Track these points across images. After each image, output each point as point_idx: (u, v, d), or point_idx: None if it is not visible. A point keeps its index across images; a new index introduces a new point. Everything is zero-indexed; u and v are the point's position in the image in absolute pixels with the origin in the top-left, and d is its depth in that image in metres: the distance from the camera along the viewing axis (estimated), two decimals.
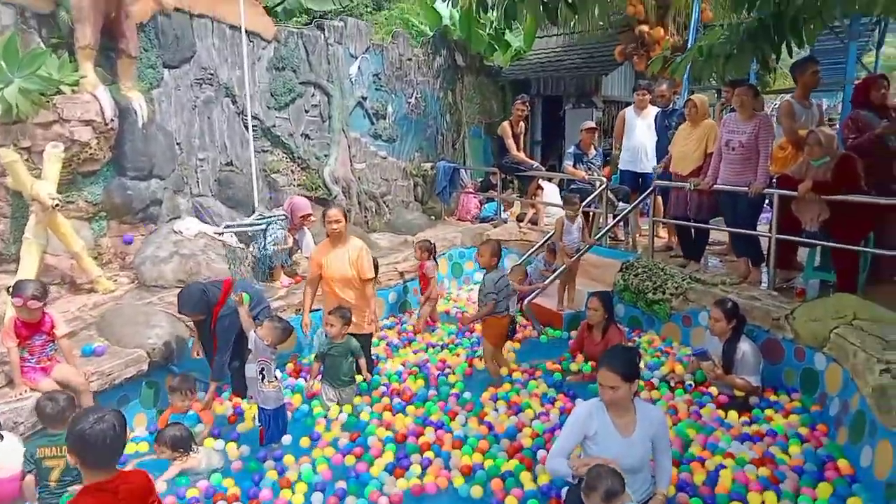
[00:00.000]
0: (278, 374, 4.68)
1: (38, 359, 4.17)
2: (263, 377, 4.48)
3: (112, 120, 5.67)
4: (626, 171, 7.74)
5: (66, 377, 4.17)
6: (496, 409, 4.82)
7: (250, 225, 6.22)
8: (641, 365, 5.41)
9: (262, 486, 3.92)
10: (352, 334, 5.44)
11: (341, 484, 3.93)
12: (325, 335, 5.18)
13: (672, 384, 5.14)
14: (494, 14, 4.61)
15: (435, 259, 7.07)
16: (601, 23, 10.44)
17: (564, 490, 3.56)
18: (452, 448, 4.31)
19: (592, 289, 6.51)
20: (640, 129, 7.53)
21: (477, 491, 3.89)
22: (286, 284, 6.49)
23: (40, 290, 4.09)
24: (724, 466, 3.96)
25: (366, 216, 9.16)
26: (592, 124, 8.04)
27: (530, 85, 12.72)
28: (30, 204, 5.04)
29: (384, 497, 3.79)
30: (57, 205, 4.94)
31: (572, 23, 11.34)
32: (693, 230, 6.49)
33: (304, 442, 4.46)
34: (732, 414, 4.59)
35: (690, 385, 5.08)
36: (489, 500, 3.84)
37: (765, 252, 5.82)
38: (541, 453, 4.16)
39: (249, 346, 4.51)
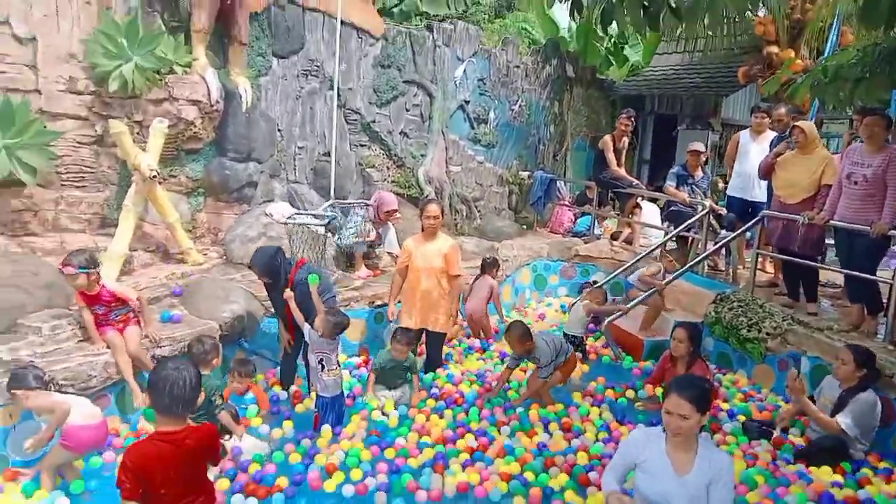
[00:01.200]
0: (340, 361, 4.69)
1: (102, 320, 4.34)
2: (323, 367, 4.50)
3: (217, 102, 5.95)
4: (735, 197, 7.15)
5: (110, 341, 4.29)
6: (549, 432, 4.57)
7: (316, 216, 6.27)
8: (724, 406, 5.02)
9: (310, 469, 3.94)
10: (428, 331, 5.44)
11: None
12: (388, 350, 5.15)
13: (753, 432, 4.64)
14: (610, 27, 4.35)
15: (486, 275, 6.78)
16: (725, 41, 9.82)
17: None
18: (496, 456, 4.17)
19: (681, 318, 6.08)
20: (754, 154, 6.92)
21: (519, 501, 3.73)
22: (364, 276, 6.53)
23: (85, 261, 4.16)
24: None
25: (455, 219, 9.09)
26: (700, 146, 7.54)
27: (644, 102, 12.21)
28: (132, 173, 5.36)
29: (423, 491, 3.74)
30: (154, 175, 5.21)
31: (695, 40, 10.80)
32: (800, 268, 5.87)
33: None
34: (825, 470, 4.07)
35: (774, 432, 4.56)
36: None
37: (885, 300, 5.16)
38: (593, 475, 3.93)
39: (305, 339, 4.55)
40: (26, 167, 4.83)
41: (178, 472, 2.41)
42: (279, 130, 7.20)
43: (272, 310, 5.17)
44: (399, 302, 5.61)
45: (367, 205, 6.63)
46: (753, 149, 6.85)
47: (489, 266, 6.88)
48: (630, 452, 3.06)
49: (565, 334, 6.45)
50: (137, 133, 5.64)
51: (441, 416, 4.71)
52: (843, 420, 4.16)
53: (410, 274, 5.46)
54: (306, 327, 4.55)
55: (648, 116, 12.71)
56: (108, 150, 5.63)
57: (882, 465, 4.21)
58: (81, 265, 4.11)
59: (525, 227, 9.92)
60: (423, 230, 5.46)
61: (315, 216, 6.22)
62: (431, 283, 5.38)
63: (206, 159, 6.24)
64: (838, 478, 4.05)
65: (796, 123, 5.71)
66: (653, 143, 12.63)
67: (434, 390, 5.19)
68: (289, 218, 5.11)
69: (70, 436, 3.53)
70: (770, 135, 6.78)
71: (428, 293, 5.39)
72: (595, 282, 7.14)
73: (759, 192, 6.83)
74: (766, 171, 6.11)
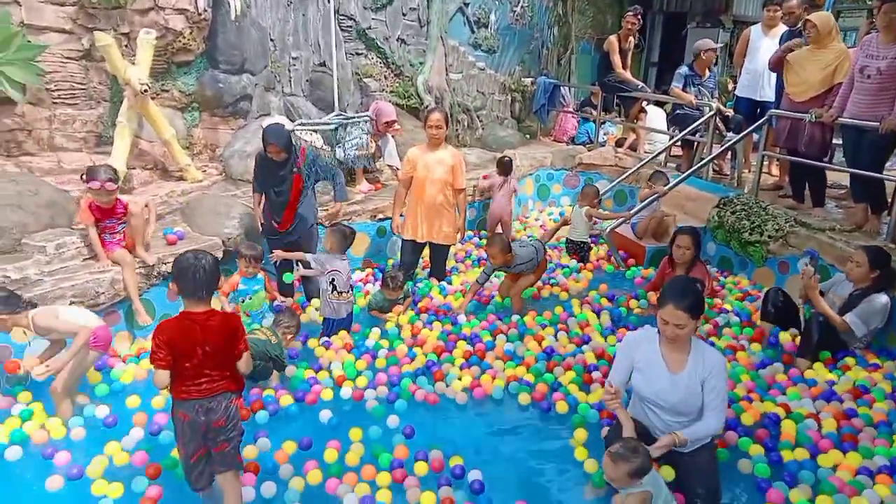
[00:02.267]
0: (352, 285, 4.78)
1: (109, 235, 4.40)
2: (334, 288, 4.55)
3: (205, 10, 5.73)
4: (744, 98, 6.94)
5: (120, 259, 4.34)
6: (555, 338, 4.67)
7: (324, 124, 6.16)
8: (728, 307, 5.10)
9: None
10: (433, 244, 5.47)
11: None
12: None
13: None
14: None
15: (506, 177, 6.90)
16: None
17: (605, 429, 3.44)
18: (496, 360, 4.32)
19: (683, 223, 6.07)
20: (764, 51, 6.62)
21: (524, 398, 3.90)
22: (365, 190, 6.49)
23: (113, 174, 4.22)
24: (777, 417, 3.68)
25: (457, 129, 8.90)
26: (712, 44, 7.22)
27: (651, 0, 11.69)
28: (123, 88, 5.23)
29: (422, 390, 3.93)
30: (146, 90, 5.09)
31: None
32: (806, 170, 5.78)
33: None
34: (818, 367, 4.19)
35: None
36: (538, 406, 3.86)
37: (889, 199, 5.12)
38: (596, 374, 4.09)
39: (313, 266, 4.60)
40: (14, 83, 4.71)
41: (201, 348, 2.67)
42: (272, 40, 6.95)
43: None
44: (402, 214, 5.61)
45: (367, 118, 6.47)
46: (764, 45, 6.57)
47: (508, 167, 6.92)
48: (627, 353, 3.12)
49: (570, 241, 6.48)
50: (125, 46, 5.47)
51: (431, 329, 4.77)
52: (851, 319, 4.21)
53: (414, 185, 5.42)
54: (308, 256, 4.64)
55: (657, 15, 12.17)
56: (97, 64, 5.46)
57: (875, 360, 4.30)
58: (110, 178, 4.13)
59: (528, 136, 9.73)
60: (427, 140, 5.37)
61: (320, 124, 6.11)
62: (436, 194, 5.35)
63: (197, 72, 6.07)
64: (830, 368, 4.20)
65: (808, 16, 5.44)
66: (661, 44, 12.16)
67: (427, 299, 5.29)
68: (299, 125, 4.97)
69: (99, 337, 3.66)
70: (783, 30, 6.49)
71: (433, 205, 5.37)
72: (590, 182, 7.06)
73: (769, 92, 6.62)
74: (776, 65, 5.88)
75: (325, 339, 4.57)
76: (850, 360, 4.24)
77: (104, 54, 5.10)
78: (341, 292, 4.58)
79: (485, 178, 7.13)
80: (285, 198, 4.88)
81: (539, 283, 5.51)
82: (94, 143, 5.56)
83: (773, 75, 6.39)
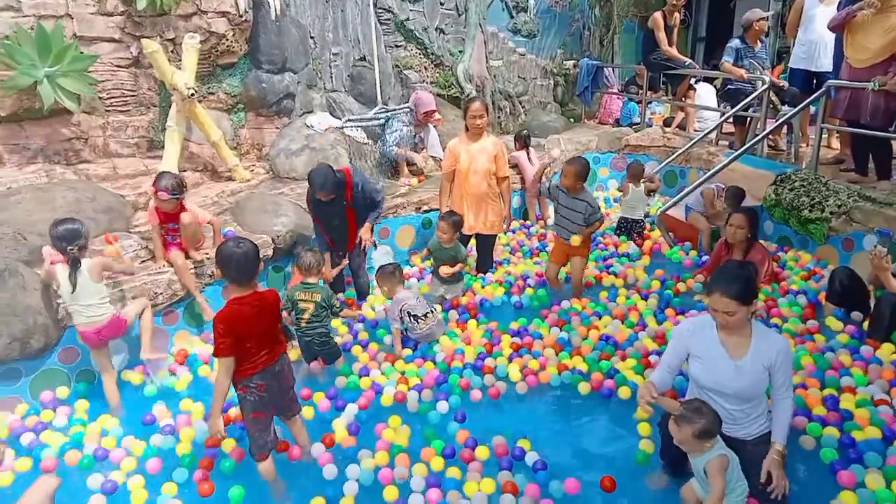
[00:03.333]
0: (435, 308, 4.69)
1: (173, 238, 4.52)
2: (415, 318, 4.40)
3: (246, 11, 5.79)
4: (798, 69, 6.62)
5: (174, 260, 4.42)
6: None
7: (370, 119, 6.18)
8: (794, 287, 4.89)
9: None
10: (479, 234, 5.44)
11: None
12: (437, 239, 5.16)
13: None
14: None
15: (528, 148, 7.07)
16: None
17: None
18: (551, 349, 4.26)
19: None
20: (820, 20, 6.31)
21: (584, 387, 3.85)
22: (408, 183, 6.49)
23: (175, 184, 4.27)
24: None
25: (499, 117, 8.82)
26: (762, 13, 6.91)
27: None
28: (171, 93, 5.36)
29: (477, 390, 3.87)
30: (192, 94, 5.20)
31: None
32: (870, 141, 5.48)
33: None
34: (888, 347, 3.97)
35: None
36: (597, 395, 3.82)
37: None
38: (653, 358, 4.01)
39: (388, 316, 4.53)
40: (69, 94, 4.89)
41: (257, 327, 2.92)
42: (312, 37, 7.01)
43: None
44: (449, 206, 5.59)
45: (409, 110, 6.47)
46: (820, 13, 6.24)
47: (526, 138, 7.14)
48: (682, 342, 2.99)
49: (626, 219, 6.35)
50: (171, 51, 5.59)
51: (478, 323, 4.71)
52: None
53: (458, 176, 5.38)
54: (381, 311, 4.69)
55: None
56: (145, 71, 5.61)
57: None
58: (174, 191, 4.23)
59: (572, 119, 9.59)
60: (466, 130, 5.33)
61: (367, 119, 6.13)
62: (480, 184, 5.30)
63: (241, 73, 6.16)
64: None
65: None
66: (708, 18, 11.77)
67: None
68: (346, 121, 4.98)
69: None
70: None
71: (477, 195, 5.33)
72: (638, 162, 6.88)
73: (825, 62, 6.30)
74: (839, 26, 5.53)
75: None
76: None
77: (151, 61, 5.24)
78: (422, 316, 4.39)
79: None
80: (344, 231, 4.94)
81: (596, 272, 5.42)
82: (146, 147, 5.73)
83: (830, 45, 6.08)
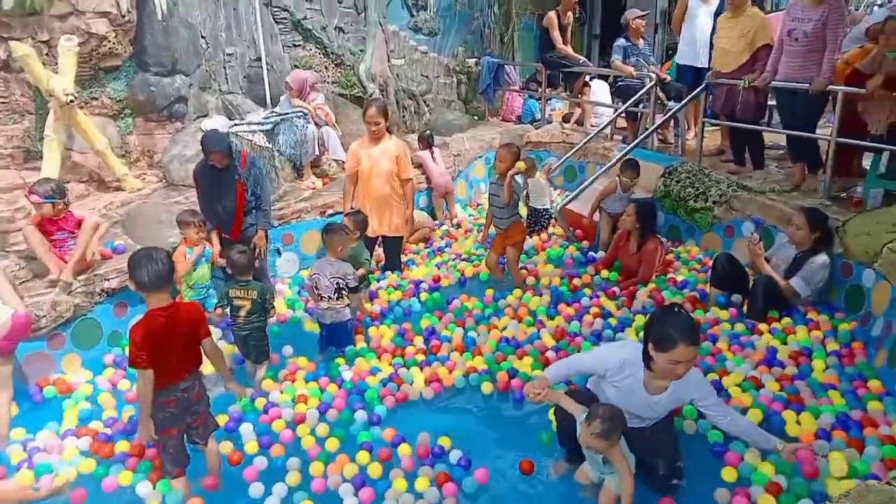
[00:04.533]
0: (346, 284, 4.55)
1: (59, 251, 4.28)
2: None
3: (129, 11, 5.51)
4: (685, 65, 7.00)
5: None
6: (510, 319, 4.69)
7: (257, 124, 6.00)
8: (679, 278, 5.18)
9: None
10: (384, 237, 5.42)
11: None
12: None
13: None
14: None
15: (431, 148, 7.11)
16: None
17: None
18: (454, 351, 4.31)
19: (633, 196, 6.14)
20: (702, 18, 6.71)
21: (487, 387, 3.92)
22: (312, 186, 6.38)
23: (51, 188, 4.10)
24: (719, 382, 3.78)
25: (404, 116, 8.81)
26: (637, 13, 7.28)
27: None
28: (48, 100, 5.02)
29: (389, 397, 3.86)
30: (72, 100, 4.89)
31: None
32: (746, 133, 5.90)
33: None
34: (762, 328, 4.32)
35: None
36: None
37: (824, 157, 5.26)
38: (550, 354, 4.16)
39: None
40: None
41: (178, 340, 2.86)
42: (203, 38, 6.73)
43: None
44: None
45: (304, 113, 6.34)
46: (702, 12, 6.64)
47: (429, 138, 7.20)
48: (602, 369, 2.94)
49: (533, 209, 6.52)
50: (47, 54, 5.23)
51: (389, 327, 4.70)
52: (796, 282, 4.38)
53: (360, 179, 5.35)
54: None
55: None
56: (17, 75, 5.23)
57: (813, 316, 4.44)
58: (48, 195, 4.07)
59: (476, 117, 9.71)
60: (368, 135, 5.31)
61: (256, 124, 5.92)
62: (383, 186, 5.29)
63: (127, 77, 5.84)
64: (773, 325, 4.34)
65: None
66: (602, 15, 12.21)
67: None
68: (229, 129, 4.82)
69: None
70: None
71: (380, 197, 5.32)
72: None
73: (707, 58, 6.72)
74: (675, 25, 6.20)
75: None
76: (788, 320, 4.40)
77: (23, 65, 4.89)
78: (323, 297, 4.28)
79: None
80: (231, 206, 4.77)
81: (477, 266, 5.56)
82: (22, 159, 5.34)
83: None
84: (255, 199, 4.85)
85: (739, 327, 4.40)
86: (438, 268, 5.74)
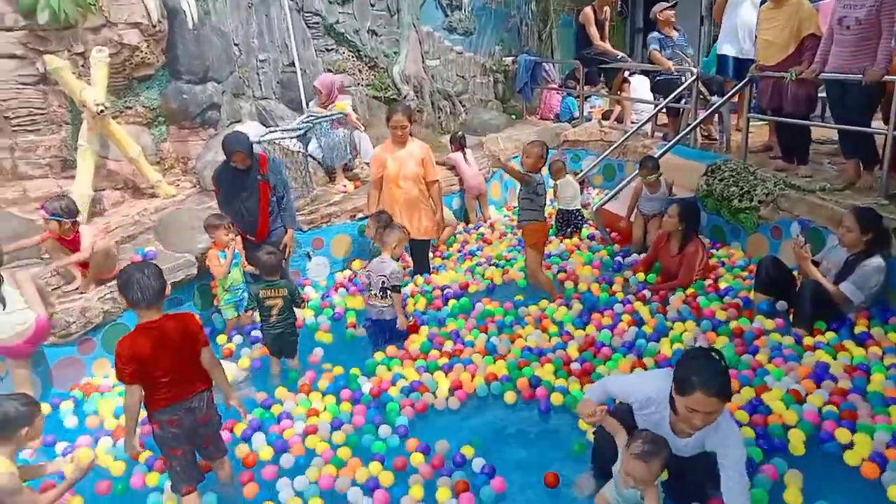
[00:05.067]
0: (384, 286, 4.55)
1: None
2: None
3: (159, 21, 5.57)
4: (725, 56, 6.67)
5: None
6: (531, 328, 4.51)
7: (291, 130, 5.97)
8: (721, 285, 4.90)
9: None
10: (413, 240, 5.35)
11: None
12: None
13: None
14: None
15: (463, 150, 6.92)
16: None
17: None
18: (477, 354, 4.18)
19: (674, 195, 5.89)
20: (745, 7, 6.39)
21: (510, 397, 3.78)
22: (344, 190, 6.34)
23: (59, 206, 4.06)
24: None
25: (439, 117, 8.72)
26: (664, 5, 6.97)
27: None
28: (81, 110, 5.11)
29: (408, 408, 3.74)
30: (102, 110, 4.96)
31: None
32: (794, 129, 5.55)
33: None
34: (806, 341, 4.03)
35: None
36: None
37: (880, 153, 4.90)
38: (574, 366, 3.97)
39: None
40: None
41: (166, 353, 2.74)
42: (236, 45, 6.80)
43: None
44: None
45: (333, 117, 6.30)
46: (745, 0, 6.31)
47: (462, 139, 6.99)
48: (627, 399, 2.80)
49: (562, 211, 6.34)
50: (82, 66, 5.33)
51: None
52: (847, 287, 4.04)
53: (386, 184, 5.29)
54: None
55: None
56: (54, 88, 5.33)
57: (859, 328, 4.09)
58: (55, 212, 4.05)
59: (514, 116, 9.55)
60: (392, 139, 5.24)
61: (287, 130, 5.91)
62: (411, 189, 5.22)
63: (160, 85, 5.93)
64: (820, 338, 4.04)
65: None
66: (644, 9, 11.86)
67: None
68: (261, 137, 4.83)
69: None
70: None
71: (408, 200, 5.24)
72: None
73: (751, 49, 6.36)
74: (717, 14, 6.01)
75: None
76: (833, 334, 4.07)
77: (57, 78, 4.99)
78: (371, 293, 4.38)
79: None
80: (255, 207, 4.76)
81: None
82: (59, 168, 5.45)
83: (755, 30, 6.18)
84: (279, 200, 4.84)
85: (788, 340, 4.07)
86: (469, 273, 5.59)
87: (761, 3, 6.03)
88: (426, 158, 5.21)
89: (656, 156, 5.99)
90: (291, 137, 5.51)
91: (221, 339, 4.70)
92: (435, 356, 4.21)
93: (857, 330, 4.07)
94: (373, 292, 4.35)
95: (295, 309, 4.30)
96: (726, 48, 6.55)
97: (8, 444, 2.57)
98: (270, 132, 5.48)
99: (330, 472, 3.21)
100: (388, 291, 4.30)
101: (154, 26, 5.54)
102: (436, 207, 5.40)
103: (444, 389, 3.82)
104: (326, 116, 6.24)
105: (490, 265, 5.68)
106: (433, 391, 3.84)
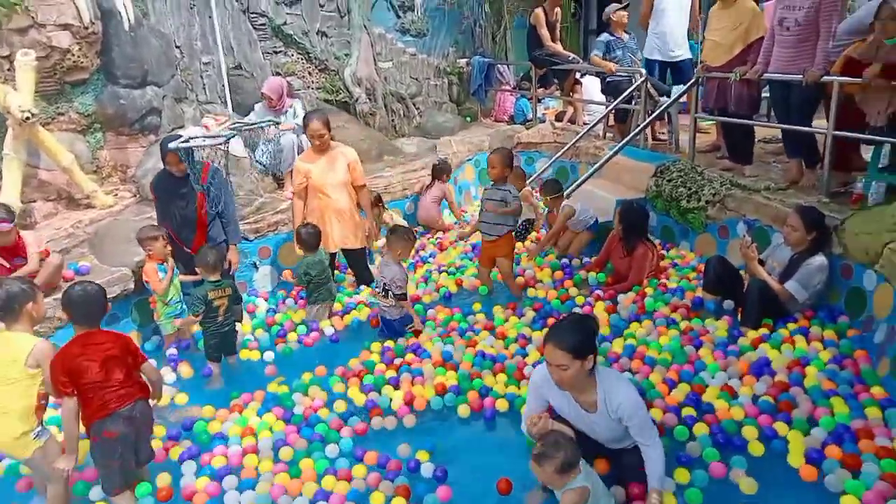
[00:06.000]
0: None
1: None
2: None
3: (92, 23, 5.32)
4: (653, 60, 6.81)
5: None
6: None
7: (214, 136, 5.72)
8: (671, 285, 4.91)
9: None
10: (344, 250, 5.21)
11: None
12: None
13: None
14: None
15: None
16: None
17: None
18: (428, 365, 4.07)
19: (624, 196, 5.90)
20: (672, 10, 6.57)
21: (463, 410, 3.68)
22: (290, 196, 6.15)
23: (6, 213, 3.95)
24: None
25: (393, 120, 8.59)
26: (619, 4, 7.05)
27: None
28: (6, 117, 4.85)
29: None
30: (28, 118, 4.71)
31: None
32: (740, 129, 5.62)
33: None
34: (751, 335, 4.07)
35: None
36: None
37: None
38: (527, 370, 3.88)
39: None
40: None
41: (99, 364, 2.83)
42: (177, 47, 6.57)
43: None
44: None
45: (275, 121, 6.10)
46: (670, 5, 6.48)
47: (440, 171, 6.75)
48: (538, 395, 2.90)
49: (525, 220, 6.30)
50: (7, 70, 5.07)
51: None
52: (791, 286, 4.10)
53: (313, 193, 5.09)
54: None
55: None
56: None
57: (801, 323, 4.16)
58: (4, 218, 3.93)
59: (469, 118, 9.48)
60: (313, 148, 5.10)
61: (209, 137, 5.66)
62: (338, 197, 5.07)
63: (95, 90, 5.66)
64: (765, 330, 4.11)
65: None
66: (598, 10, 11.94)
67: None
68: (182, 143, 4.61)
69: None
70: None
71: (337, 210, 5.10)
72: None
73: (678, 52, 6.61)
74: (642, 20, 6.32)
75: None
76: (787, 330, 4.11)
77: None
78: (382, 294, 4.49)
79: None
80: (192, 217, 4.57)
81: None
82: None
83: (681, 36, 6.51)
84: (218, 210, 4.65)
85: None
86: (424, 281, 5.48)
87: (708, 7, 6.13)
88: (352, 162, 5.07)
89: (606, 157, 6.00)
90: (213, 145, 5.29)
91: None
92: (381, 370, 4.08)
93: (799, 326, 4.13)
94: (377, 290, 4.50)
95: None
96: (654, 52, 6.72)
97: (22, 322, 2.91)
98: (192, 138, 5.30)
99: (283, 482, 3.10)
100: (390, 293, 4.38)
101: (86, 28, 5.29)
102: (367, 213, 5.29)
103: (397, 404, 3.70)
104: (255, 123, 5.98)
105: (444, 273, 5.58)
106: (386, 407, 3.72)
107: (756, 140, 5.84)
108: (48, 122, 5.38)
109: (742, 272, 4.57)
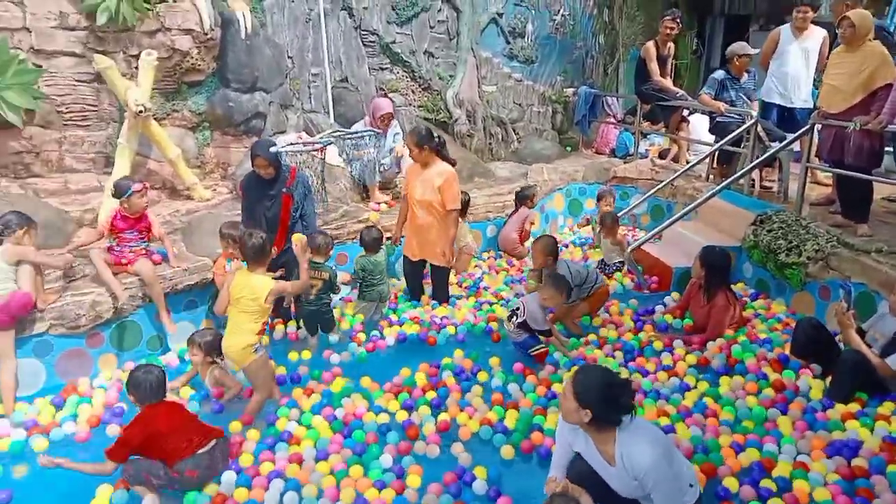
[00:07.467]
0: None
1: (128, 249, 4.48)
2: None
3: (211, 30, 5.72)
4: (772, 103, 6.36)
5: (141, 271, 4.44)
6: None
7: (313, 142, 5.92)
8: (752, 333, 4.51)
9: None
10: (433, 266, 5.23)
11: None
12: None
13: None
14: None
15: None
16: None
17: None
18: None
19: (718, 242, 5.52)
20: (794, 55, 6.15)
21: (507, 451, 3.51)
22: (376, 207, 6.28)
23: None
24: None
25: (490, 143, 8.60)
26: (749, 49, 6.67)
27: (712, 2, 11.03)
28: (125, 109, 5.29)
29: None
30: (142, 111, 5.11)
31: None
32: (855, 183, 5.10)
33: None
34: (840, 408, 3.64)
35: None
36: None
37: None
38: None
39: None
40: (12, 108, 4.85)
41: (171, 431, 3.13)
42: (289, 57, 6.93)
43: None
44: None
45: (376, 132, 6.28)
46: (793, 49, 6.07)
47: (522, 198, 6.65)
48: (563, 443, 2.81)
49: (605, 263, 6.06)
50: (134, 67, 5.53)
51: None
52: (894, 361, 3.62)
53: (408, 204, 5.24)
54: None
55: (717, 18, 11.49)
56: (107, 86, 5.55)
57: None
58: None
59: (569, 148, 9.31)
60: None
61: (308, 143, 5.89)
62: (425, 215, 5.10)
63: (208, 92, 6.08)
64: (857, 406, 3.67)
65: (847, 13, 4.82)
66: (722, 49, 11.42)
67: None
68: (280, 147, 4.84)
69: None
70: (817, 32, 6.00)
71: (421, 226, 5.13)
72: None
73: (799, 98, 6.15)
74: (763, 61, 6.16)
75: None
76: (888, 408, 3.62)
77: (104, 76, 5.19)
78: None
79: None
80: (276, 219, 4.74)
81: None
82: (102, 164, 5.65)
83: (804, 81, 6.13)
84: (301, 214, 4.81)
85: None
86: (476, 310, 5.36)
87: (832, 49, 5.65)
88: (443, 186, 4.98)
89: (702, 199, 5.64)
90: (311, 151, 5.48)
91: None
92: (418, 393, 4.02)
93: None
94: (508, 311, 4.73)
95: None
96: (774, 96, 6.33)
97: (263, 267, 3.73)
98: (291, 144, 5.47)
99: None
100: (514, 319, 4.46)
101: (206, 34, 5.69)
102: (448, 238, 5.16)
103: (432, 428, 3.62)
104: (362, 132, 6.17)
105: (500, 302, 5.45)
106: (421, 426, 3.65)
107: (878, 198, 5.29)
108: (164, 118, 5.82)
109: (838, 338, 4.11)
